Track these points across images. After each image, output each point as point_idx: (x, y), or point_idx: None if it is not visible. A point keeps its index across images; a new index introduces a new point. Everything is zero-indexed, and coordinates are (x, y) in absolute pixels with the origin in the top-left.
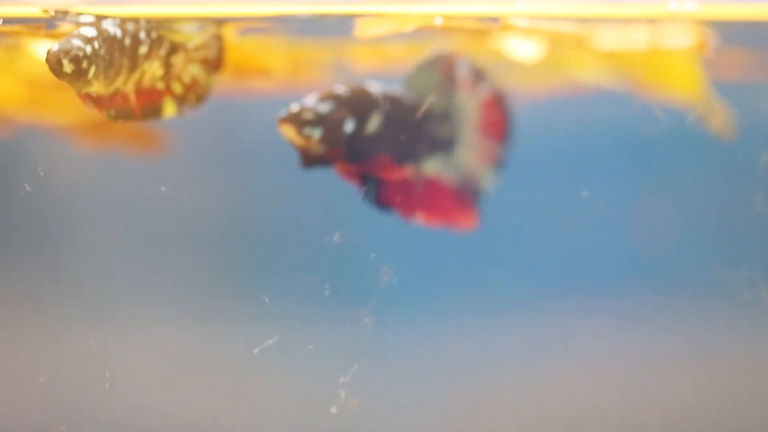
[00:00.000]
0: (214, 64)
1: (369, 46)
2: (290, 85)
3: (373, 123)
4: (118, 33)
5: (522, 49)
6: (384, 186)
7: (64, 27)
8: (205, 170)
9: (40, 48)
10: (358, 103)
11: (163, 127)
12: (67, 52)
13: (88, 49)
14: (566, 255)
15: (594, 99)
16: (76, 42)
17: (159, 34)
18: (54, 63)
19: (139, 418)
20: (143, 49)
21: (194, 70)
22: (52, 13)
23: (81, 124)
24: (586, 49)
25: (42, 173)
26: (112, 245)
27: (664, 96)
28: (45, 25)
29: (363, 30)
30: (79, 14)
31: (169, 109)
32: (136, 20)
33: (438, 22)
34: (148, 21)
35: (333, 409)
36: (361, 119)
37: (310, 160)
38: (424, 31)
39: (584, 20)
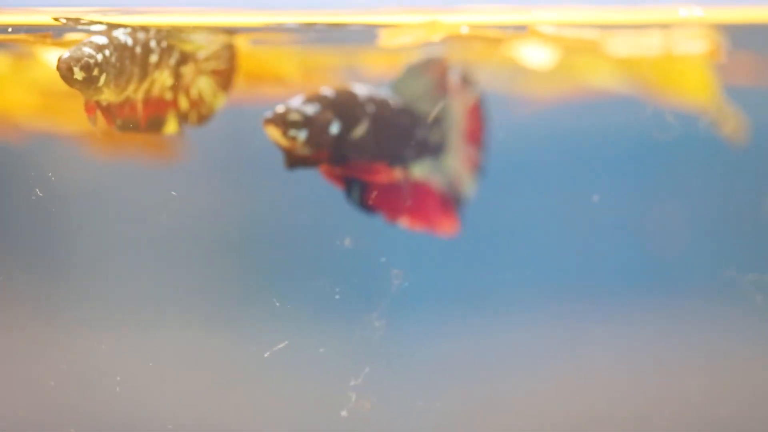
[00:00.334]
0: (225, 76)
1: (382, 53)
2: (304, 92)
3: (359, 126)
4: (129, 41)
5: (536, 56)
6: (369, 189)
7: (75, 35)
8: (216, 176)
9: (52, 56)
10: (344, 106)
11: (175, 135)
12: (78, 60)
13: (99, 57)
14: (579, 259)
15: (606, 104)
16: (87, 50)
17: (169, 43)
18: (65, 70)
19: (149, 421)
20: (153, 58)
21: (202, 84)
22: (63, 22)
23: (92, 132)
24: (598, 54)
25: (53, 178)
26: (123, 249)
27: (676, 101)
28: (52, 34)
29: (386, 40)
30: (91, 23)
31: (172, 125)
32: (146, 29)
33: (464, 31)
34: (159, 30)
35: (344, 413)
36: (347, 122)
37: (294, 161)
38: (447, 41)
39: (596, 27)
